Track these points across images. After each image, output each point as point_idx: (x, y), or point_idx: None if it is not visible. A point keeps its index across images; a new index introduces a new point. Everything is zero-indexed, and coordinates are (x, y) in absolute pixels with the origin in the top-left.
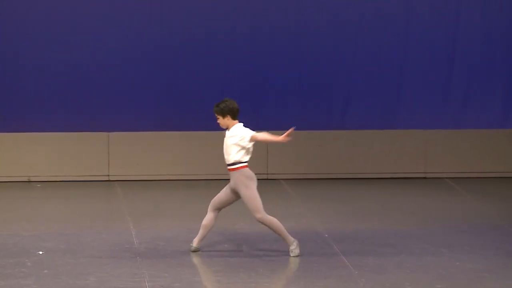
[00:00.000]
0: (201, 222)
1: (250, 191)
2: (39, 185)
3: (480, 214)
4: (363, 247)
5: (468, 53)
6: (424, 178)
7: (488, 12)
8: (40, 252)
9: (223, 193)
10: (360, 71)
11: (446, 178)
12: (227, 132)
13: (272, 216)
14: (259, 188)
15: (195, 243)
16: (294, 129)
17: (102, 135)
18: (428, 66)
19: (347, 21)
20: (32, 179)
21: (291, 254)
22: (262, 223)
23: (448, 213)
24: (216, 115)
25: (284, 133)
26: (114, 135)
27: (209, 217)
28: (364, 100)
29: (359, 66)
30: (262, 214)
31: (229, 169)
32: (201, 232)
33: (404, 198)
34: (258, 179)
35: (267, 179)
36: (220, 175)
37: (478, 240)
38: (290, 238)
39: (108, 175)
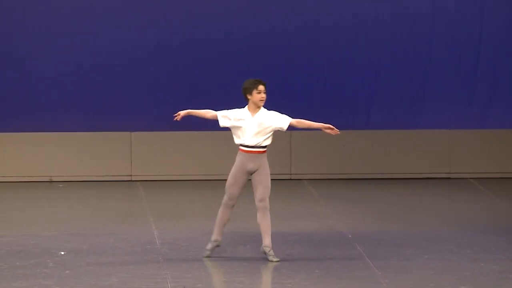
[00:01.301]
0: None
1: (267, 176)
2: (61, 185)
3: (505, 215)
4: (386, 248)
5: (493, 52)
6: (448, 178)
7: None
8: (62, 253)
9: (241, 182)
10: (384, 71)
11: (470, 178)
12: (257, 113)
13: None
14: (281, 188)
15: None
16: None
17: (125, 134)
18: (453, 65)
19: (371, 20)
20: (54, 179)
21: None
22: (264, 207)
23: (473, 214)
24: (265, 88)
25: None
26: (137, 134)
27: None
28: (387, 100)
29: (383, 66)
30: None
31: (257, 152)
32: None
33: (428, 199)
34: (280, 180)
35: (291, 179)
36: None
37: (503, 241)
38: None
39: (131, 175)
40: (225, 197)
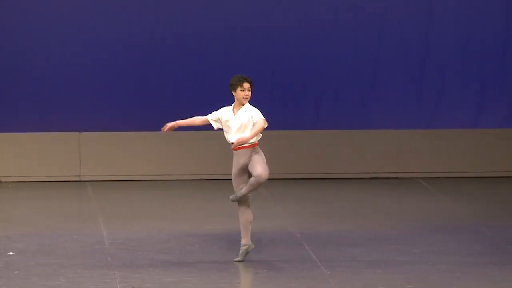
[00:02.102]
0: (171, 222)
1: (260, 158)
2: (9, 186)
3: (453, 214)
4: (335, 247)
5: (442, 53)
6: (397, 178)
7: (461, 12)
8: (11, 253)
9: (244, 179)
10: (334, 71)
11: (418, 178)
12: (239, 110)
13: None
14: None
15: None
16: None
17: (73, 135)
18: (401, 66)
19: (321, 21)
20: (3, 179)
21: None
22: (261, 184)
23: (421, 213)
24: (250, 87)
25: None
26: (86, 135)
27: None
28: (337, 100)
29: (332, 66)
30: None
31: (246, 147)
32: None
33: (377, 198)
34: (229, 180)
35: None
36: (192, 175)
37: (451, 240)
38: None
39: (80, 175)
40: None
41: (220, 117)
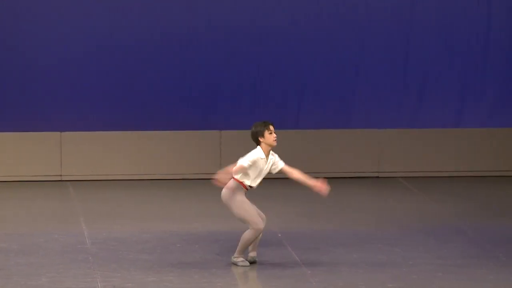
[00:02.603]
0: (152, 222)
1: None
2: None
3: (434, 214)
4: (317, 246)
5: (423, 53)
6: (378, 177)
7: (443, 12)
8: None
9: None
10: (315, 71)
11: (399, 177)
12: (270, 156)
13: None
14: (211, 188)
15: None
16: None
17: (55, 134)
18: (383, 66)
19: (303, 22)
20: None
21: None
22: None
23: (402, 212)
24: (273, 128)
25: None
26: (67, 134)
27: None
28: (319, 100)
29: (314, 66)
30: None
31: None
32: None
33: (358, 198)
34: (210, 179)
35: None
36: (173, 174)
37: (432, 240)
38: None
39: (61, 175)
40: (260, 225)
41: (256, 162)
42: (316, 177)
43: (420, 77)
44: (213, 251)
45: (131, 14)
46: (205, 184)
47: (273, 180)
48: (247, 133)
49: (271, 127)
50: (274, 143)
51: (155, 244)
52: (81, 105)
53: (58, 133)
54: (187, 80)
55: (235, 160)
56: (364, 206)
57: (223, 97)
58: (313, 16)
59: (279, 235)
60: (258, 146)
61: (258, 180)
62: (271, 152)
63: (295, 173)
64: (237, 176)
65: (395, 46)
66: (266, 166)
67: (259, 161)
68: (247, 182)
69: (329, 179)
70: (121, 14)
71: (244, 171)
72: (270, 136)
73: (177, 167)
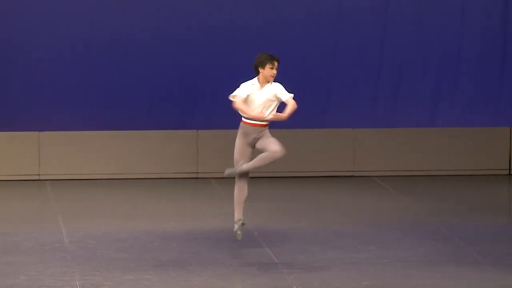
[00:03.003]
0: (130, 221)
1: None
2: None
3: (409, 212)
4: (292, 245)
5: (398, 53)
6: (353, 176)
7: (417, 12)
8: None
9: (247, 155)
10: (291, 71)
11: (374, 176)
12: (265, 85)
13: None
14: (188, 187)
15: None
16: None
17: (33, 134)
18: (358, 66)
19: (278, 21)
20: None
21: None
22: (273, 161)
23: (377, 211)
24: (277, 65)
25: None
26: (45, 134)
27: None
28: (295, 99)
29: (289, 64)
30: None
31: (262, 125)
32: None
33: (334, 197)
34: (187, 178)
35: (197, 178)
36: (151, 174)
37: (406, 238)
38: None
39: (39, 174)
40: (236, 170)
41: (245, 93)
42: (292, 177)
43: (395, 77)
44: (190, 249)
45: (107, 13)
46: (182, 183)
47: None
48: (224, 133)
49: (275, 63)
50: (271, 79)
51: (133, 243)
52: (59, 105)
53: (37, 132)
54: (165, 80)
55: (211, 160)
56: (340, 205)
57: (200, 97)
58: (288, 17)
59: (256, 233)
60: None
61: (257, 109)
62: (272, 83)
63: (288, 107)
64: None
65: (369, 45)
66: (262, 94)
67: (250, 88)
68: (247, 110)
69: (304, 178)
70: (95, 14)
71: (241, 104)
72: (269, 71)
73: (155, 167)
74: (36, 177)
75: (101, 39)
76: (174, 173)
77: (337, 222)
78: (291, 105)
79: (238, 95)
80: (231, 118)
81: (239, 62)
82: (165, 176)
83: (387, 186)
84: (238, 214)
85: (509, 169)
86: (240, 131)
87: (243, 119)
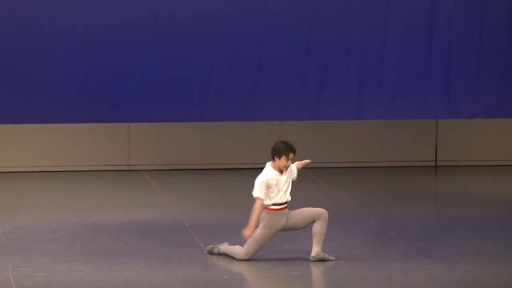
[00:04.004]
0: (61, 213)
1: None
2: None
3: (336, 203)
4: (223, 236)
5: (323, 46)
6: None
7: (342, 5)
8: None
9: (268, 241)
10: (219, 64)
11: (303, 168)
12: (284, 173)
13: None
14: (120, 179)
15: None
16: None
17: None
18: (284, 59)
19: (205, 14)
20: None
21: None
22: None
23: (305, 202)
24: (293, 156)
25: None
26: None
27: None
28: (222, 92)
29: (217, 60)
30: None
31: (283, 208)
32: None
33: None
34: (119, 171)
35: (129, 170)
36: (82, 166)
37: (335, 229)
38: None
39: None
40: (246, 253)
41: (267, 187)
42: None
43: (321, 70)
44: (121, 240)
45: (28, 2)
46: (114, 176)
47: (178, 171)
48: (155, 126)
49: (291, 155)
50: (284, 169)
51: (64, 234)
52: None
53: None
54: (96, 73)
55: (143, 153)
56: None
57: (131, 90)
58: (215, 10)
59: (186, 224)
60: (268, 164)
61: (282, 194)
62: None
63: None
64: (265, 203)
65: (296, 38)
66: (284, 179)
67: (270, 180)
68: (269, 202)
69: (234, 170)
70: (17, 3)
71: (262, 201)
72: (285, 162)
73: (87, 159)
74: None
75: (29, 32)
76: (106, 165)
77: None
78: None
79: (260, 196)
80: (161, 111)
81: (167, 55)
82: (97, 168)
83: (315, 177)
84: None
85: (435, 160)
86: (268, 219)
87: (271, 207)
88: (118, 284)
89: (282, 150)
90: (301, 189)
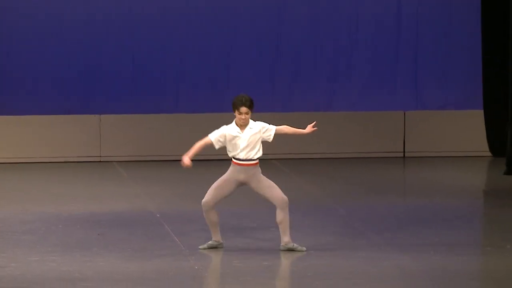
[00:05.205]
0: (35, 204)
1: (269, 181)
2: None
3: (306, 194)
4: (194, 227)
5: (295, 40)
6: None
7: (313, 1)
8: None
9: (226, 189)
10: (191, 58)
11: (272, 159)
12: (246, 128)
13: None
14: (92, 171)
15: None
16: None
17: None
18: (256, 52)
19: (178, 9)
20: None
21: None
22: (286, 205)
23: None
24: (247, 109)
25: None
26: None
27: (215, 214)
28: (196, 85)
29: (189, 51)
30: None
31: (248, 164)
32: (215, 230)
33: None
34: (90, 162)
35: (100, 161)
36: (54, 157)
37: (305, 220)
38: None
39: None
40: (204, 199)
41: (223, 136)
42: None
43: (292, 62)
44: (94, 231)
45: None
46: (86, 167)
47: (149, 163)
48: (126, 117)
49: (242, 109)
50: (242, 123)
51: (38, 225)
52: None
53: None
54: (66, 66)
55: (114, 144)
56: (239, 187)
57: (102, 82)
58: (187, 4)
59: (158, 215)
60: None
61: (240, 151)
62: (251, 122)
63: (285, 129)
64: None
65: (267, 31)
66: (245, 137)
67: (226, 134)
68: (230, 154)
69: (204, 162)
70: None
71: (210, 145)
72: (238, 116)
73: (58, 151)
74: None
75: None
76: (77, 156)
77: (235, 204)
78: (286, 128)
79: (213, 136)
80: (132, 103)
81: (138, 48)
82: (69, 160)
83: (285, 169)
84: (214, 236)
85: (403, 151)
86: (230, 169)
87: (232, 159)
88: (91, 274)
89: (233, 104)
90: (271, 178)
